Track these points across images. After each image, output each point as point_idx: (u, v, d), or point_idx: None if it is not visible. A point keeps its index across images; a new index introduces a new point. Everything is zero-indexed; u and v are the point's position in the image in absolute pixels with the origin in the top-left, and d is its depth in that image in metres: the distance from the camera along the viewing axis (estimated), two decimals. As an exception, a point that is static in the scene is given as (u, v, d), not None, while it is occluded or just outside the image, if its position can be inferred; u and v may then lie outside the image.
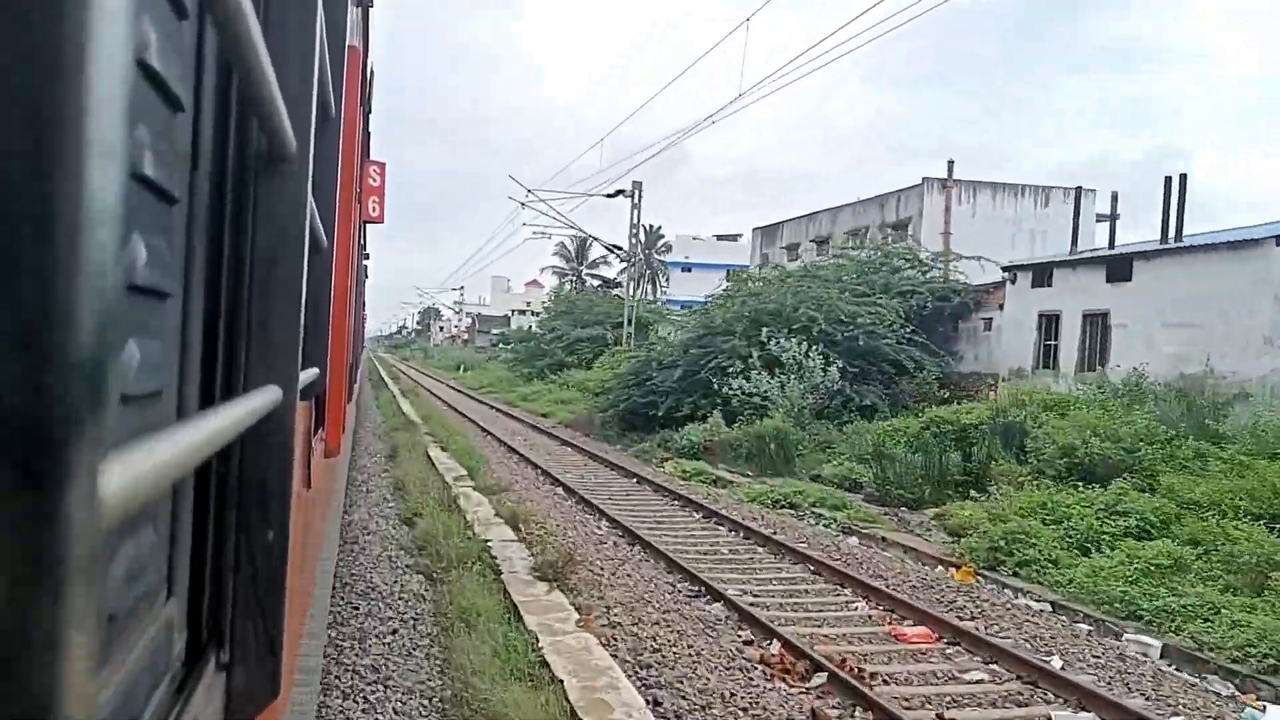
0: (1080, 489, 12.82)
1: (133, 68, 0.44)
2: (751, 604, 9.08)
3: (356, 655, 7.02)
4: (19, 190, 0.37)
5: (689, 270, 71.42)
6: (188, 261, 1.10)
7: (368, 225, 10.53)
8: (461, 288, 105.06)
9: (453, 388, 51.21)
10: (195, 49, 1.10)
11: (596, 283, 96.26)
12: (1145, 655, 8.34)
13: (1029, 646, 8.30)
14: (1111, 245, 24.86)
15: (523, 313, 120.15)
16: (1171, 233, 21.95)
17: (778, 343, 21.97)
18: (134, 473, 0.50)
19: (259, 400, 1.09)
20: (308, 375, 1.83)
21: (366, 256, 12.68)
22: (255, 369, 1.26)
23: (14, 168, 0.37)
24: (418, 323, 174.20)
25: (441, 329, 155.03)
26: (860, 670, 7.30)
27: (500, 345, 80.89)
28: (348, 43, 2.63)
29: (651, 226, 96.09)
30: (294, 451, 1.32)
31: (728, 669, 7.24)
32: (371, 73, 7.09)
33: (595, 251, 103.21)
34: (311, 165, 1.34)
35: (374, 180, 10.45)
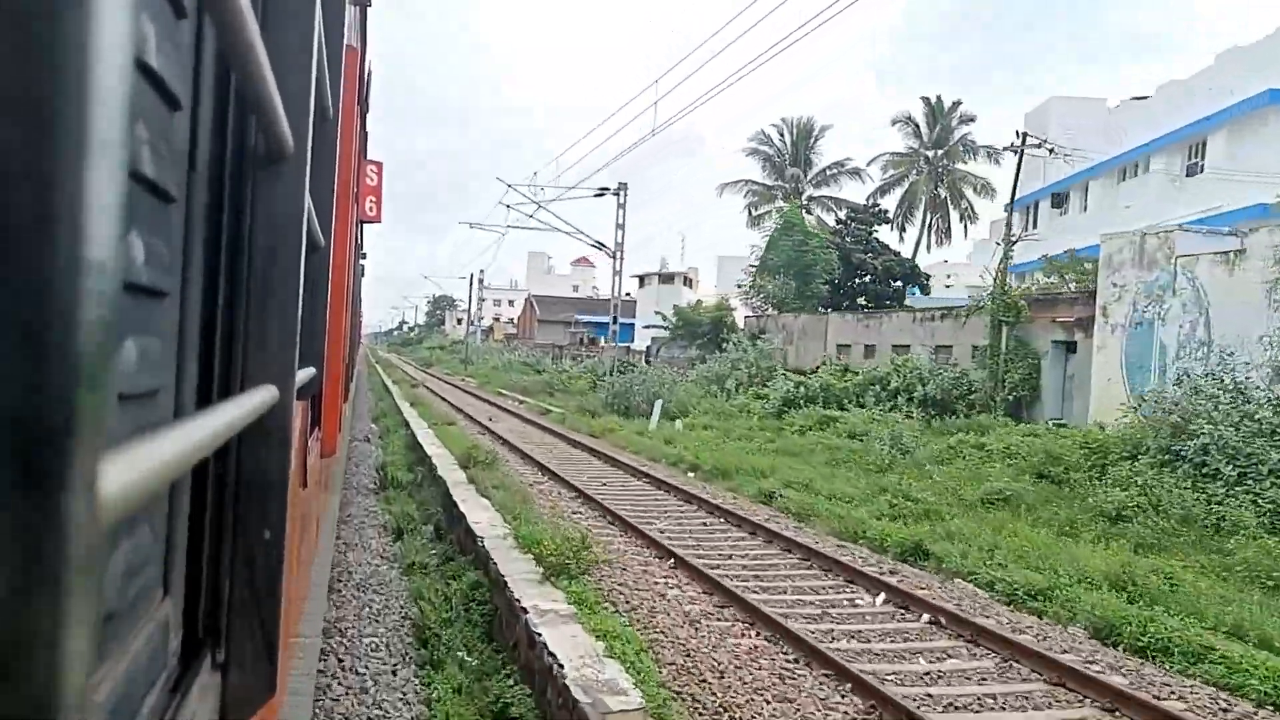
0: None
1: (131, 66, 0.44)
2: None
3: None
4: (17, 188, 0.37)
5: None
6: (185, 260, 1.10)
7: (364, 224, 10.54)
8: (605, 191, 33.96)
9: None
10: (194, 48, 1.10)
11: (836, 215, 48.54)
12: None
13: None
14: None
15: (668, 279, 67.24)
16: None
17: None
18: (132, 472, 0.50)
19: (256, 399, 1.08)
20: (304, 375, 1.83)
21: (363, 255, 12.68)
22: (252, 368, 1.26)
23: (13, 166, 0.37)
24: (427, 314, 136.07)
25: (459, 321, 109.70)
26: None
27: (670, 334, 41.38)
28: (346, 42, 2.63)
29: (936, 100, 51.45)
30: (290, 451, 1.32)
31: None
32: (369, 72, 7.09)
33: (825, 153, 53.58)
34: (309, 164, 1.34)
35: (371, 180, 10.46)
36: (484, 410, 30.13)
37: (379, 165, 11.14)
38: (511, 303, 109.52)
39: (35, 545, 0.37)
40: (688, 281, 70.61)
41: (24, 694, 0.37)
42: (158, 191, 0.94)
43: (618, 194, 32.63)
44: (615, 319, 34.63)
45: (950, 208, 52.53)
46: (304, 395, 2.11)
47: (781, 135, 55.57)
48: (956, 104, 52.05)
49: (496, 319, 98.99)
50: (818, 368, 30.69)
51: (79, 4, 0.38)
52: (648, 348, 48.38)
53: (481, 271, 73.11)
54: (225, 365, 1.25)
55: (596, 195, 30.63)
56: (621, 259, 32.79)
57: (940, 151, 51.89)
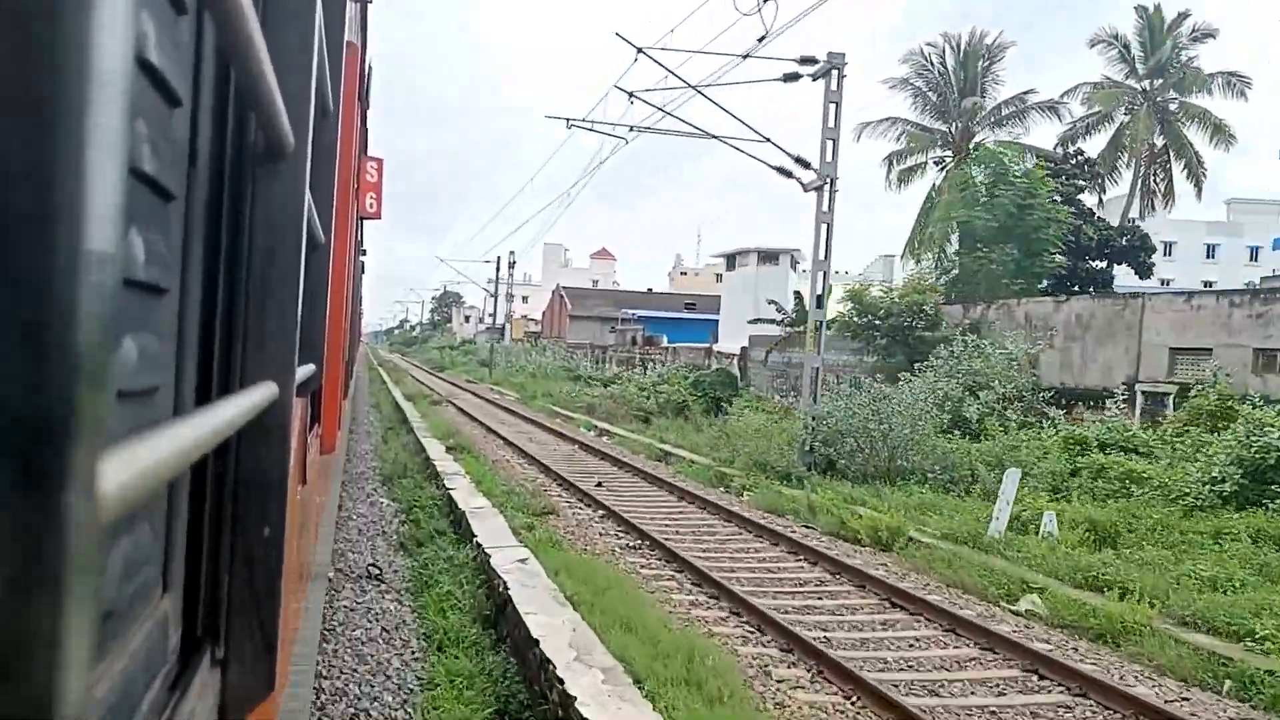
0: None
1: (131, 64, 0.44)
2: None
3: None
4: (17, 187, 0.37)
5: None
6: (185, 257, 1.10)
7: (365, 221, 10.53)
8: (802, 71, 15.54)
9: None
10: (194, 44, 1.10)
11: (1042, 176, 28.52)
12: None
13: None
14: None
15: (770, 257, 46.36)
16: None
17: None
18: (131, 469, 0.50)
19: (255, 396, 1.08)
20: (304, 372, 1.83)
21: (364, 252, 12.67)
22: (252, 365, 1.26)
23: (13, 164, 0.37)
24: (432, 310, 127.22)
25: (467, 319, 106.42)
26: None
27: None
28: (346, 39, 2.63)
29: (1155, 9, 36.92)
30: (290, 448, 1.32)
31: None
32: (370, 68, 7.09)
33: (1003, 84, 37.50)
34: (309, 161, 1.34)
35: (371, 176, 10.44)
36: (565, 454, 18.61)
37: (379, 161, 11.11)
38: (525, 299, 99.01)
39: (35, 544, 0.37)
40: (793, 263, 47.82)
41: (24, 693, 0.37)
42: (158, 189, 0.94)
43: (826, 76, 16.27)
44: (821, 296, 16.54)
45: (1171, 158, 36.88)
46: (304, 392, 2.11)
47: (943, 57, 38.26)
48: (1184, 15, 35.59)
49: (509, 315, 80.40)
50: (1127, 388, 19.02)
51: (79, 2, 0.38)
52: (744, 348, 33.05)
53: (512, 254, 58.68)
54: (225, 362, 1.25)
55: (785, 79, 16.21)
56: (834, 189, 16.42)
57: (1160, 82, 36.80)
